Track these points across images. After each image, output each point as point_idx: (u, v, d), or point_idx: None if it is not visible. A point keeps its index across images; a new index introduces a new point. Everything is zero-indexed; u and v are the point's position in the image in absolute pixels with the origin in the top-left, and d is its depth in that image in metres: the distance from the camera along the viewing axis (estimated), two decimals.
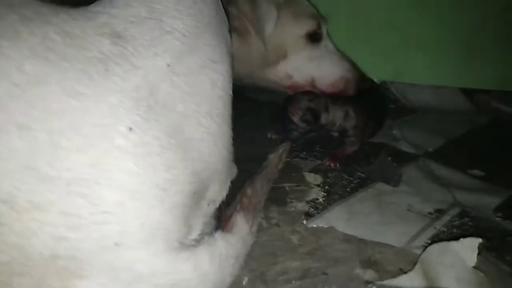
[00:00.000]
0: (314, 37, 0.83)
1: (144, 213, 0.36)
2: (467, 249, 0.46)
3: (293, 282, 0.51)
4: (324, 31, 0.84)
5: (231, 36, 0.52)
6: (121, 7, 0.40)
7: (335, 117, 0.78)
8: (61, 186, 0.32)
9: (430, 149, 0.86)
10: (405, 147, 0.86)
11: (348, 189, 0.70)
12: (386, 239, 0.58)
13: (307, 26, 0.82)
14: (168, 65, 0.40)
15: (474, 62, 1.11)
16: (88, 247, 0.34)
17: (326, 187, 0.70)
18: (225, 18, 0.52)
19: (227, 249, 0.45)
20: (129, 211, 0.35)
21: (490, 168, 0.80)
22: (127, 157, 0.35)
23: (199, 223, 0.43)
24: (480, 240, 0.47)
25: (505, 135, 0.97)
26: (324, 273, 0.52)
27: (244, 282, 0.50)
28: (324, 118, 0.78)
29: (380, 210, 0.65)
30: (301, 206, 0.65)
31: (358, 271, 0.53)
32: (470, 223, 0.62)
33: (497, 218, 0.64)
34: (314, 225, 0.60)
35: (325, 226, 0.60)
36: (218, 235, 0.45)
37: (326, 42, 0.86)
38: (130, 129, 0.35)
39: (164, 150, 0.37)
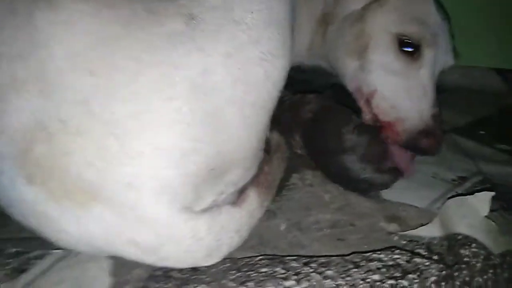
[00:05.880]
0: (408, 49, 0.64)
1: (158, 168, 0.42)
2: (481, 200, 0.52)
3: (324, 230, 0.58)
4: (426, 53, 0.64)
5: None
6: None
7: None
8: (102, 123, 0.40)
9: (459, 125, 0.90)
10: None
11: None
12: (410, 201, 0.64)
13: (405, 27, 0.64)
14: (227, 53, 0.44)
15: (507, 43, 1.12)
16: (106, 179, 0.41)
17: None
18: (293, 16, 0.53)
19: (228, 223, 0.48)
20: (147, 162, 0.41)
21: None
22: (160, 119, 0.41)
23: (210, 197, 0.47)
24: (493, 193, 0.52)
25: None
26: (352, 224, 0.59)
27: (282, 228, 0.58)
28: None
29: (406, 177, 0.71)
30: None
31: (383, 224, 0.59)
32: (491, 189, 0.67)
33: None
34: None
35: None
36: (224, 209, 0.48)
37: (422, 68, 0.65)
38: (170, 98, 0.42)
39: (195, 124, 0.43)
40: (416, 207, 0.63)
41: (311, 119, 0.66)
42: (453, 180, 0.69)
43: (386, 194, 0.65)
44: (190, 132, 0.43)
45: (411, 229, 0.57)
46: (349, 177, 0.63)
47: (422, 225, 0.58)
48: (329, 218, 0.60)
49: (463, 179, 0.69)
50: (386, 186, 0.64)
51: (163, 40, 0.42)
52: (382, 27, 0.65)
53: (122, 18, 0.41)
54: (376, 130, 0.65)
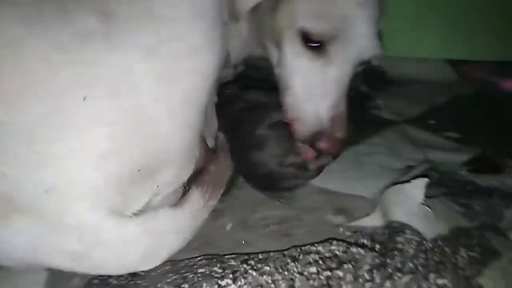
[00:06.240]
0: (314, 45, 0.60)
1: (77, 173, 0.40)
2: (416, 187, 0.53)
3: (271, 226, 0.58)
4: (332, 50, 0.60)
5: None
6: None
7: None
8: (12, 130, 0.38)
9: (411, 116, 0.92)
10: (386, 115, 0.92)
11: None
12: (358, 191, 0.65)
13: (305, 22, 0.59)
14: (148, 48, 0.43)
15: (458, 34, 1.15)
16: (22, 189, 0.39)
17: None
18: (223, 9, 0.53)
19: (167, 225, 0.47)
20: (63, 166, 0.40)
21: (467, 131, 0.85)
22: (75, 120, 0.40)
23: (142, 199, 0.46)
24: (426, 179, 0.53)
25: (486, 103, 1.01)
26: (299, 219, 0.59)
27: (227, 228, 0.57)
28: None
29: (355, 168, 0.71)
30: None
31: (329, 217, 0.59)
32: (437, 176, 0.68)
33: (463, 172, 0.69)
34: None
35: None
36: (163, 210, 0.47)
37: (328, 66, 0.60)
38: (84, 98, 0.40)
39: (116, 123, 0.41)
40: (363, 197, 0.63)
41: (234, 118, 0.65)
42: (401, 169, 0.70)
43: (335, 185, 0.66)
44: (109, 132, 0.41)
45: (357, 220, 0.58)
46: (258, 173, 0.62)
47: (368, 215, 0.59)
48: (276, 215, 0.60)
49: (410, 168, 0.70)
50: (294, 183, 0.63)
51: (74, 39, 0.40)
52: (288, 20, 0.61)
53: (28, 17, 0.40)
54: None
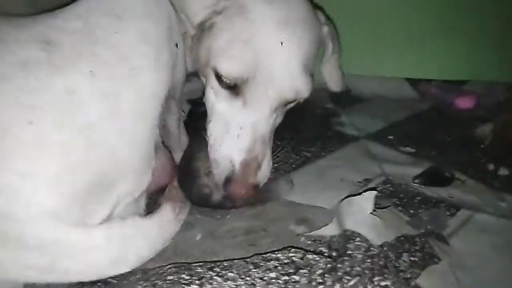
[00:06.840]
0: (228, 84, 0.57)
1: (32, 194, 0.42)
2: (366, 199, 0.58)
3: (238, 237, 0.62)
4: (246, 91, 0.57)
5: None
6: (60, 18, 0.48)
7: None
8: None
9: (371, 131, 0.99)
10: (349, 131, 0.98)
11: (293, 166, 0.82)
12: (319, 203, 0.70)
13: (215, 63, 0.56)
14: (91, 71, 0.46)
15: (417, 55, 1.24)
16: None
17: (274, 165, 0.81)
18: (174, 31, 0.57)
19: (134, 233, 0.50)
20: (18, 190, 0.42)
21: (421, 146, 0.93)
22: (23, 144, 0.42)
23: (104, 210, 0.48)
24: (375, 192, 0.59)
25: (440, 120, 1.09)
26: (264, 230, 0.64)
27: (197, 238, 0.61)
28: None
29: (318, 181, 0.77)
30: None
31: (292, 227, 0.64)
32: (390, 188, 0.74)
33: (414, 184, 0.76)
34: None
35: None
36: (130, 219, 0.50)
37: (243, 106, 0.58)
38: (31, 122, 0.42)
39: (65, 143, 0.44)
40: (323, 208, 0.68)
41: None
42: (359, 182, 0.76)
43: (299, 198, 0.71)
44: (60, 152, 0.43)
45: (316, 230, 0.62)
46: (192, 191, 0.64)
47: (326, 225, 0.64)
48: (243, 226, 0.64)
49: (367, 180, 0.76)
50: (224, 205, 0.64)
51: (16, 68, 0.43)
52: (206, 57, 0.58)
53: None
54: None
